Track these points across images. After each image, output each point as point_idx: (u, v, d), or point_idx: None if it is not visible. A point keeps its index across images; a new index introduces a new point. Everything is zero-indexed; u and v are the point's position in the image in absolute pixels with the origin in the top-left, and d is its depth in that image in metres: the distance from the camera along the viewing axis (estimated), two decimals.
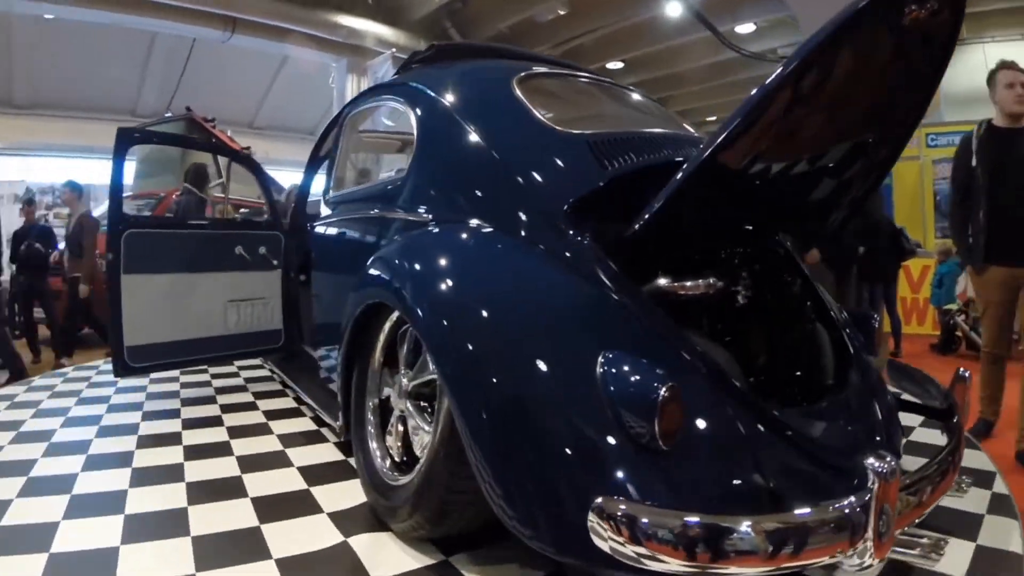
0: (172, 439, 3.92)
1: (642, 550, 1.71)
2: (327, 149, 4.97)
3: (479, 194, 2.88)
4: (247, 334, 4.98)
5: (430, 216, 3.00)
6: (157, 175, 10.25)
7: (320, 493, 3.13)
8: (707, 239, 2.72)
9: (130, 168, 11.94)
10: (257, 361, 6.15)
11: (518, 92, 3.08)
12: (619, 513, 1.76)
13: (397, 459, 2.83)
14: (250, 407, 4.75)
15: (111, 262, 4.14)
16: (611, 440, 1.92)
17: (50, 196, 14.87)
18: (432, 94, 3.33)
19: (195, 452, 3.68)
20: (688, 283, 2.47)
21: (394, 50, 13.74)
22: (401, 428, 2.79)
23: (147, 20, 12.73)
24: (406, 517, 2.51)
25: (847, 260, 6.11)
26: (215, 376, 5.76)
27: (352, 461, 3.36)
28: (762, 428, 2.10)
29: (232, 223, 5.75)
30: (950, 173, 4.80)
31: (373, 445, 2.99)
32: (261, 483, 3.23)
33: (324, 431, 4.11)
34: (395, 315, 2.85)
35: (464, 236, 2.74)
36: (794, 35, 14.35)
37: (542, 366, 2.07)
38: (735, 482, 1.98)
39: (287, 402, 4.91)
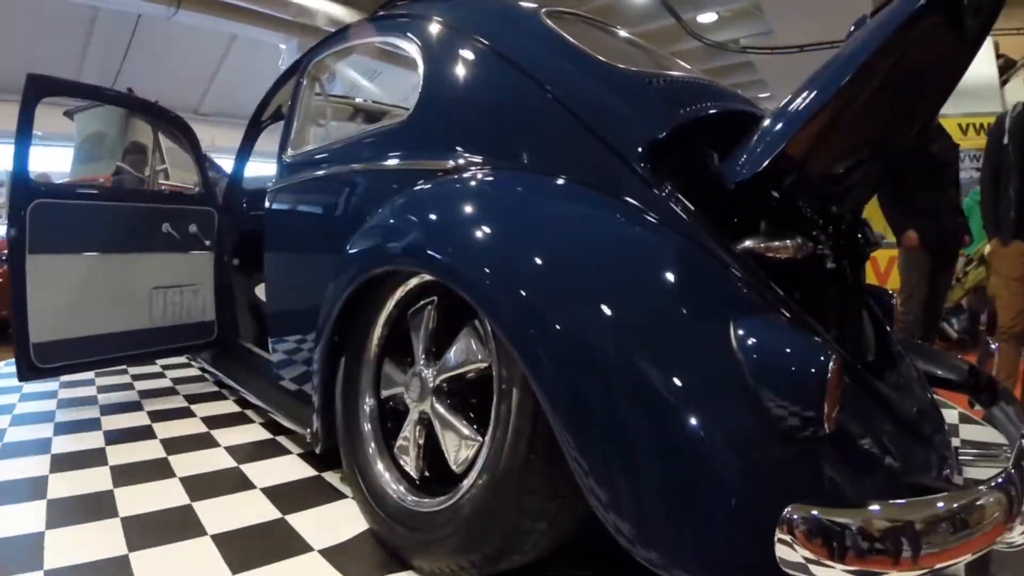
0: (94, 458, 3.34)
1: (854, 565, 1.39)
2: (278, 106, 4.48)
3: (525, 134, 2.41)
4: (175, 327, 4.45)
5: (453, 162, 2.48)
6: (96, 160, 9.17)
7: (302, 524, 2.61)
8: (807, 195, 2.25)
9: (64, 154, 11.45)
10: (181, 359, 5.64)
11: (553, 25, 2.62)
12: (825, 522, 1.42)
13: (416, 476, 2.38)
14: (185, 413, 4.20)
15: (13, 239, 3.61)
16: (772, 430, 1.57)
17: None
18: (450, 25, 2.81)
19: (125, 474, 3.11)
20: (776, 244, 2.00)
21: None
22: (420, 436, 2.35)
23: None
24: (451, 553, 2.05)
25: (950, 243, 5.63)
26: (136, 377, 5.17)
27: (329, 477, 3.08)
28: (876, 405, 1.93)
29: (159, 196, 5.09)
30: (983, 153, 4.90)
31: (376, 460, 2.51)
32: (221, 516, 2.66)
33: (282, 439, 3.68)
34: (400, 292, 2.46)
35: (528, 183, 2.28)
36: (757, 24, 14.15)
37: (670, 348, 1.69)
38: (880, 466, 1.80)
39: (228, 406, 4.39)
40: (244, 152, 4.80)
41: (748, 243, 1.98)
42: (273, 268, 3.74)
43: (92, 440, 3.61)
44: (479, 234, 2.04)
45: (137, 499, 2.84)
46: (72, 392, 4.69)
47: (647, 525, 1.57)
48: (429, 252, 2.12)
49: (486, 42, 2.61)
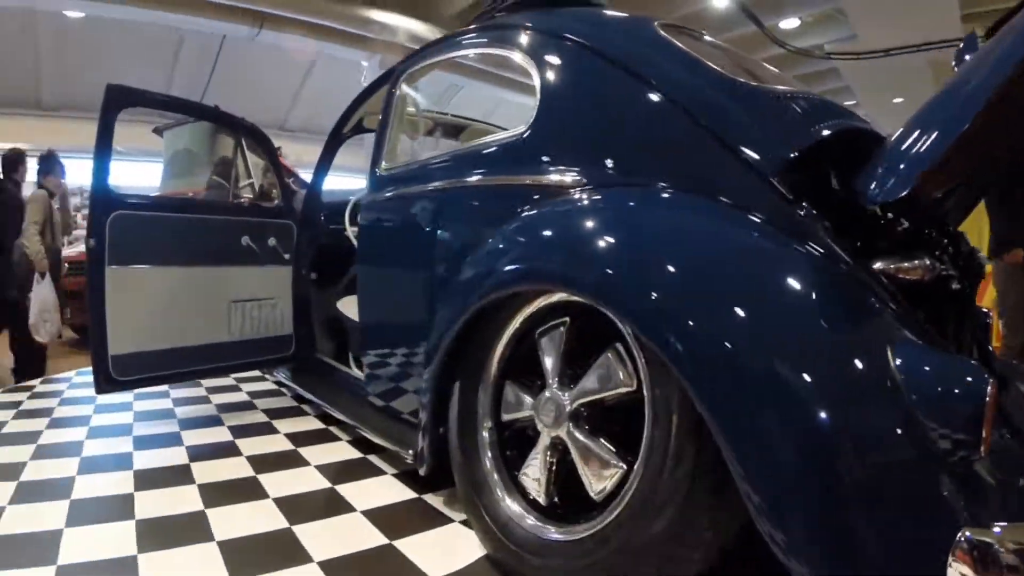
0: (179, 475, 3.22)
1: None
2: (359, 120, 4.52)
3: (657, 151, 2.34)
4: (253, 341, 4.38)
5: (581, 179, 2.41)
6: (186, 176, 9.37)
7: (412, 550, 2.48)
8: (934, 215, 2.23)
9: (155, 169, 11.66)
10: (255, 372, 5.50)
11: (674, 40, 2.56)
12: (1000, 546, 1.39)
13: (544, 503, 2.30)
14: (267, 429, 4.08)
15: (93, 249, 3.55)
16: (933, 453, 1.56)
17: (79, 198, 14.70)
18: (569, 37, 2.70)
19: (216, 494, 2.96)
20: (908, 265, 1.96)
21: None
22: (552, 462, 2.27)
23: (175, 16, 12.37)
24: None
25: None
26: (212, 390, 5.07)
27: (431, 499, 2.96)
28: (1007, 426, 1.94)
29: (239, 208, 4.93)
30: None
31: (497, 486, 2.44)
32: (325, 542, 2.52)
33: (373, 459, 3.52)
34: (526, 312, 2.40)
35: (669, 201, 2.22)
36: (841, 29, 13.87)
37: (837, 368, 1.65)
38: (1016, 487, 1.79)
39: (310, 422, 4.27)
40: (323, 165, 4.79)
41: (880, 263, 1.95)
42: (367, 284, 3.63)
43: (175, 456, 3.54)
44: (634, 255, 2.00)
45: (232, 521, 2.70)
46: (147, 404, 4.62)
47: (830, 560, 1.53)
48: (579, 274, 2.07)
49: (611, 56, 2.55)
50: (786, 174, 2.04)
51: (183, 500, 2.93)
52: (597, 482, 2.07)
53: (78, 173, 15.95)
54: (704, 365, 1.71)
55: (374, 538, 2.57)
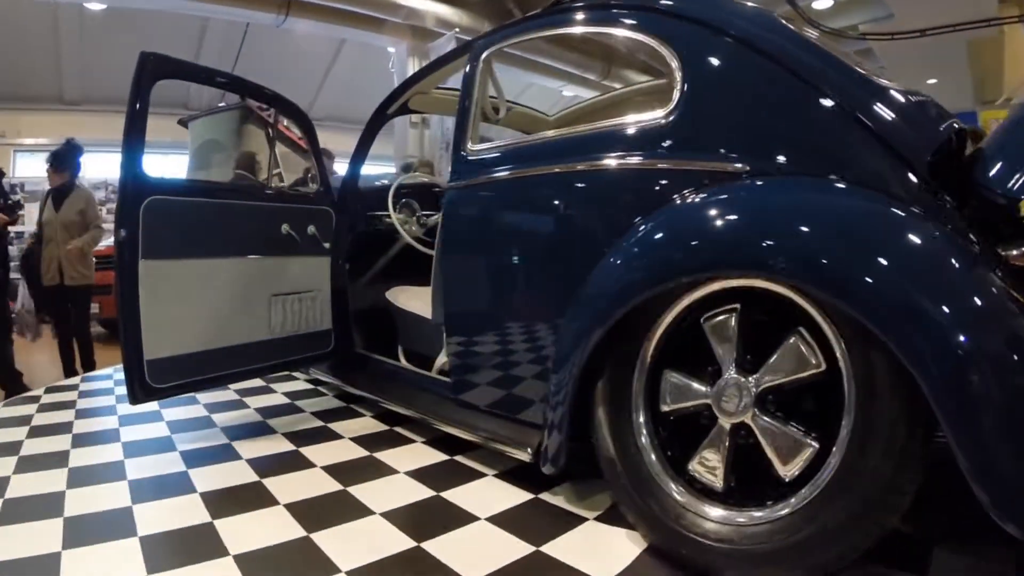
0: (259, 497, 2.91)
1: None
2: (405, 101, 4.43)
3: (824, 144, 2.35)
4: (294, 337, 4.18)
5: (747, 167, 2.40)
6: (211, 167, 9.23)
7: (564, 553, 2.38)
8: None
9: (180, 161, 11.50)
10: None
11: (802, 32, 2.60)
12: None
13: (720, 489, 2.30)
14: (327, 435, 3.87)
15: (124, 241, 3.28)
16: None
17: (103, 192, 14.65)
18: (711, 24, 2.65)
19: (312, 516, 2.71)
20: None
21: (457, 30, 13.15)
22: (730, 448, 2.29)
23: (197, 4, 12.19)
24: (793, 562, 2.07)
25: None
26: (243, 393, 4.91)
27: (549, 497, 2.91)
28: None
29: (278, 194, 4.68)
30: None
31: (664, 476, 2.42)
32: (466, 558, 2.35)
33: (463, 459, 3.41)
34: (687, 300, 2.38)
35: (858, 194, 2.22)
36: (874, 9, 13.52)
37: None
38: None
39: (372, 423, 4.08)
40: (363, 148, 4.63)
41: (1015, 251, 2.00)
42: (458, 276, 3.48)
43: (240, 473, 3.23)
44: (852, 243, 2.03)
45: (348, 547, 2.46)
46: (178, 412, 4.39)
47: None
48: (794, 262, 2.07)
49: (762, 48, 2.51)
50: (933, 167, 2.13)
51: (276, 526, 2.65)
52: (787, 464, 2.15)
53: (103, 166, 16.02)
54: (929, 348, 1.81)
55: (519, 547, 2.46)
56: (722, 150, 2.47)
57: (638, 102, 4.46)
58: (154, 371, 3.40)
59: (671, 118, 2.63)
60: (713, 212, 2.32)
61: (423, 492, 2.98)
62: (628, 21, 2.92)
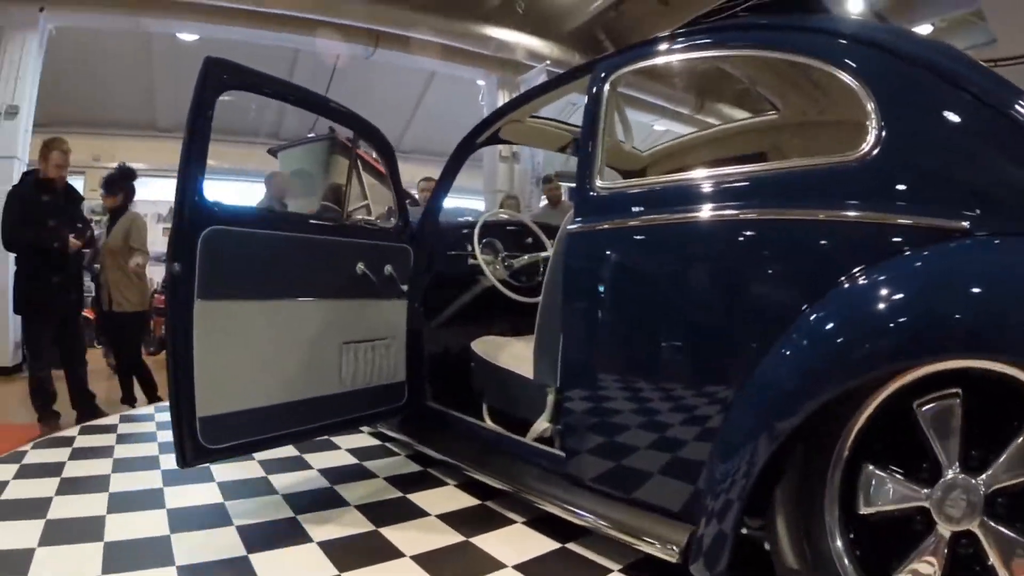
0: None
1: None
2: (496, 130, 4.09)
3: None
4: (366, 391, 3.75)
5: (961, 223, 2.01)
6: (300, 198, 9.10)
7: None
8: None
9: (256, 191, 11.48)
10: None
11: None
12: None
13: None
14: (410, 510, 3.42)
15: (178, 276, 2.86)
16: None
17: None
18: (902, 56, 2.29)
19: None
20: None
21: (548, 63, 13.02)
22: (946, 559, 1.89)
23: (288, 36, 12.34)
24: None
25: None
26: (303, 449, 4.44)
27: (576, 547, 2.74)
28: None
29: (354, 229, 4.04)
30: None
31: None
32: None
33: (577, 547, 2.96)
34: (903, 379, 1.96)
35: None
36: (976, 34, 13.01)
37: None
38: None
39: (457, 495, 3.64)
40: (447, 180, 4.28)
41: None
42: (584, 334, 2.97)
43: (310, 559, 2.82)
44: None
45: None
46: (231, 471, 3.95)
47: None
48: None
49: (970, 87, 2.15)
50: None
51: None
52: None
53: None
54: None
55: None
56: (934, 202, 2.08)
57: (744, 139, 4.07)
58: (208, 429, 2.98)
59: (866, 161, 2.22)
60: (940, 281, 1.97)
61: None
62: (804, 47, 2.51)
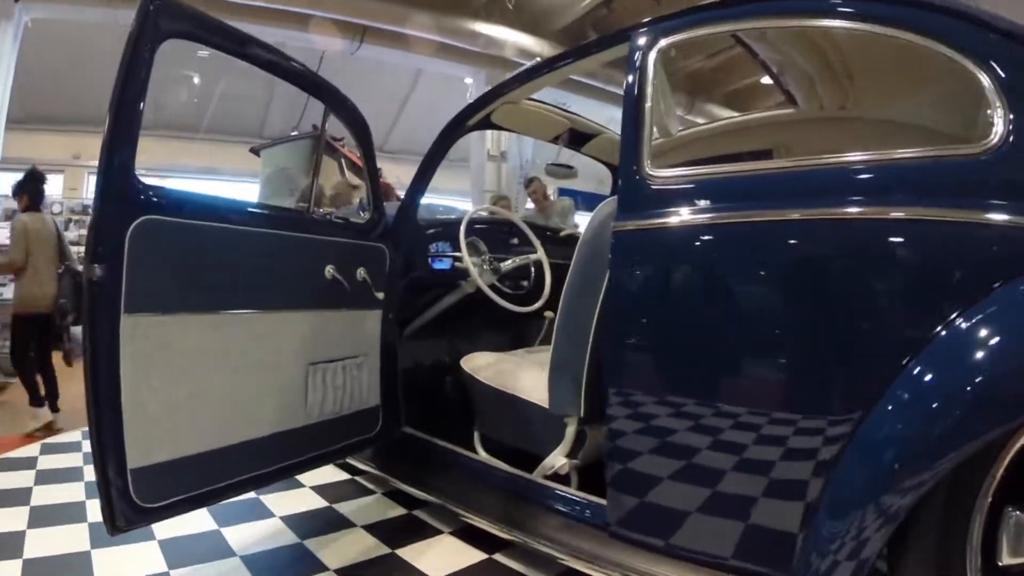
0: None
1: None
2: (487, 114, 3.67)
3: None
4: (334, 421, 3.16)
5: None
6: (283, 196, 8.78)
7: None
8: None
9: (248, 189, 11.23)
10: None
11: None
12: None
13: None
14: (395, 568, 2.91)
15: (98, 283, 2.21)
16: None
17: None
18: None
19: None
20: None
21: (538, 60, 12.76)
22: None
23: (271, 30, 11.96)
24: None
25: None
26: (262, 492, 3.76)
27: None
28: None
29: (321, 223, 3.38)
30: None
31: None
32: None
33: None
34: None
35: None
36: None
37: None
38: None
39: (456, 547, 3.14)
40: (428, 170, 3.80)
41: None
42: (642, 358, 2.44)
43: None
44: None
45: None
46: (174, 527, 3.09)
47: None
48: None
49: None
50: None
51: None
52: None
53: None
54: None
55: None
56: None
57: (761, 132, 3.60)
58: (143, 484, 2.33)
59: (995, 154, 1.87)
60: None
61: None
62: (921, 24, 2.06)
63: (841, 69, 2.75)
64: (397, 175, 12.99)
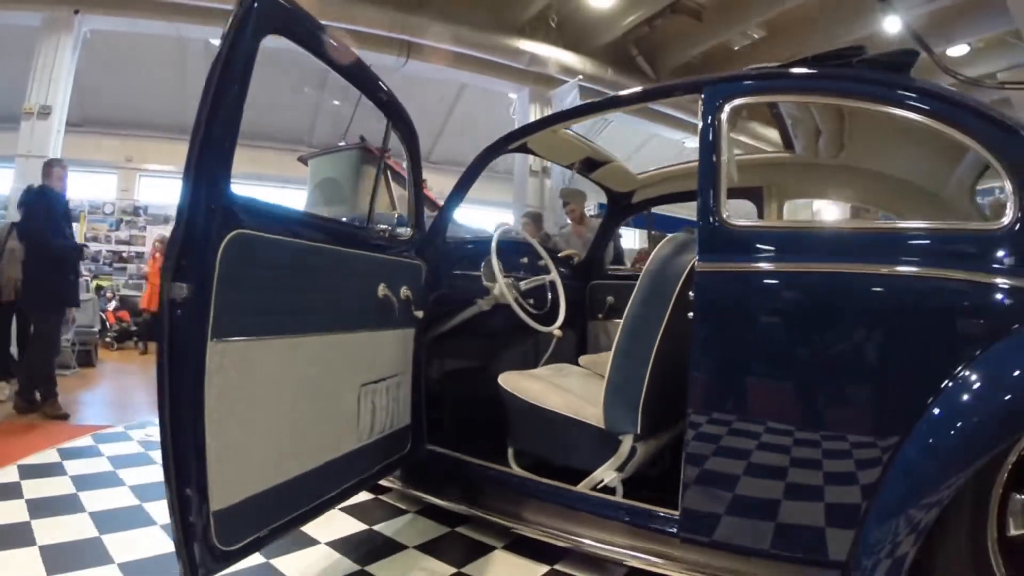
0: None
1: None
2: (524, 140, 3.91)
3: None
4: (378, 442, 3.09)
5: None
6: (328, 205, 8.97)
7: None
8: None
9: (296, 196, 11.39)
10: None
11: None
12: None
13: None
14: None
15: (184, 304, 2.01)
16: None
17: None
18: None
19: None
20: None
21: (581, 77, 13.06)
22: None
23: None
24: None
25: None
26: None
27: None
28: None
29: (373, 239, 3.30)
30: None
31: None
32: None
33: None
34: None
35: None
36: (1013, 55, 12.83)
37: None
38: None
39: (523, 566, 3.10)
40: (464, 186, 3.90)
41: None
42: (720, 383, 2.67)
43: None
44: None
45: None
46: None
47: None
48: None
49: None
50: None
51: None
52: None
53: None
54: None
55: None
56: None
57: (739, 172, 3.78)
58: (225, 526, 2.15)
59: (1015, 228, 2.29)
60: None
61: None
62: (945, 116, 2.49)
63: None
64: (442, 186, 13.19)
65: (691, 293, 2.69)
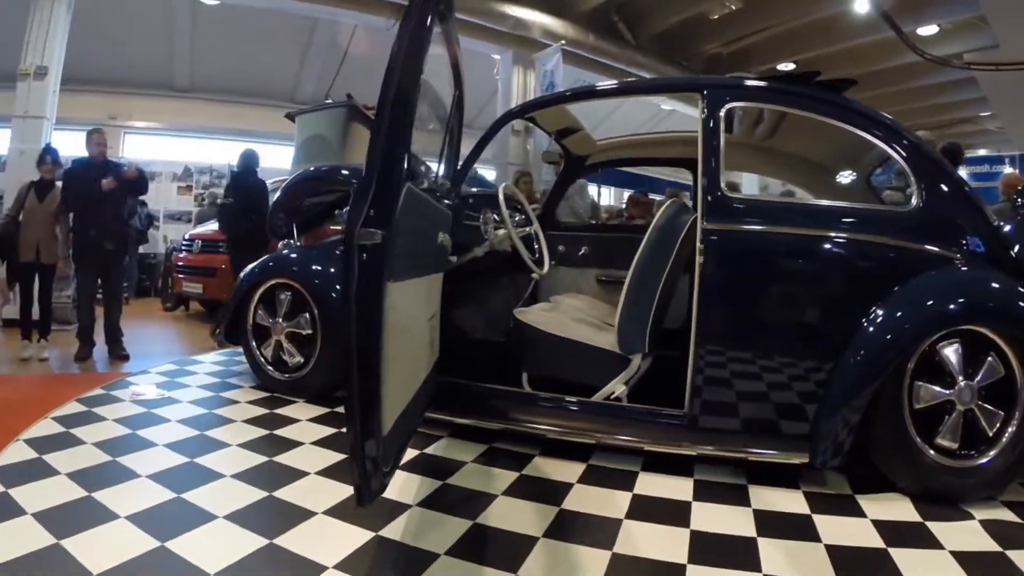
0: None
1: None
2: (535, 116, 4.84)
3: (991, 239, 3.62)
4: (431, 373, 3.49)
5: (958, 254, 3.55)
6: (315, 159, 9.23)
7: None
8: None
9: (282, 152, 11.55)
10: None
11: None
12: None
13: (954, 449, 3.38)
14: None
15: (371, 251, 2.24)
16: None
17: (207, 175, 15.03)
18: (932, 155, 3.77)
19: None
20: None
21: (563, 42, 13.41)
22: (959, 423, 3.37)
23: (308, 5, 12.57)
24: (986, 485, 3.34)
25: None
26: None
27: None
28: None
29: (433, 189, 3.82)
30: None
31: (922, 446, 3.39)
32: None
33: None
34: (933, 336, 3.39)
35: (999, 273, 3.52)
36: (980, 37, 13.13)
37: None
38: None
39: (553, 464, 3.70)
40: (479, 151, 4.65)
41: None
42: (724, 315, 3.69)
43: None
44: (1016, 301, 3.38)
45: None
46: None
47: None
48: (1008, 318, 3.37)
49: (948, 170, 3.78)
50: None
51: None
52: (989, 428, 3.34)
53: (206, 152, 16.40)
54: None
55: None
56: (946, 240, 3.54)
57: (674, 146, 5.38)
58: (389, 450, 2.42)
59: (913, 210, 3.58)
60: (962, 284, 3.50)
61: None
62: (877, 132, 3.70)
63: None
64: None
65: (699, 245, 3.62)
